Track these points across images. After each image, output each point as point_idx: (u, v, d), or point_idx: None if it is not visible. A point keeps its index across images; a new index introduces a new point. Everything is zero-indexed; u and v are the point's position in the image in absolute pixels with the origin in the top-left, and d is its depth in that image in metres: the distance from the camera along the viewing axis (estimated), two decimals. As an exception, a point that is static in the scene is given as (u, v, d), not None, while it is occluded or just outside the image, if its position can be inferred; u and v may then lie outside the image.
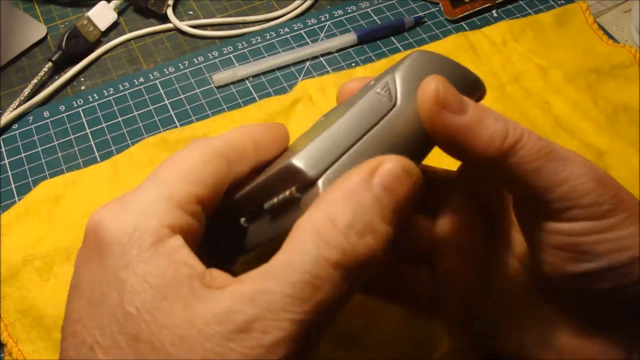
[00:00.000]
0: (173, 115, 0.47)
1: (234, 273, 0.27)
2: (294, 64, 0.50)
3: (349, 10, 0.55)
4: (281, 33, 0.53)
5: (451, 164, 0.31)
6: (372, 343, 0.35)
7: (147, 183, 0.22)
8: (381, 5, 0.55)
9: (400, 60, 0.25)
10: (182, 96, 0.49)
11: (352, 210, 0.19)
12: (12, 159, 0.45)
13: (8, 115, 0.47)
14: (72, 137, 0.46)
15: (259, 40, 0.53)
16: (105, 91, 0.49)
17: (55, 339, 0.35)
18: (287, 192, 0.21)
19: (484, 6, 0.53)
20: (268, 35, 0.53)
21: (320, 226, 0.18)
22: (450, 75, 0.24)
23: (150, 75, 0.50)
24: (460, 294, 0.29)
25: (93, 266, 0.20)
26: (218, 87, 0.49)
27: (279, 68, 0.50)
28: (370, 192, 0.19)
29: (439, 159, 0.30)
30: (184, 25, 0.53)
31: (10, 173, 0.44)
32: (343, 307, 0.19)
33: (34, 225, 0.40)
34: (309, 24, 0.54)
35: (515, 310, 0.27)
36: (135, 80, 0.50)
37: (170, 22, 0.54)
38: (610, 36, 0.51)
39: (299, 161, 0.21)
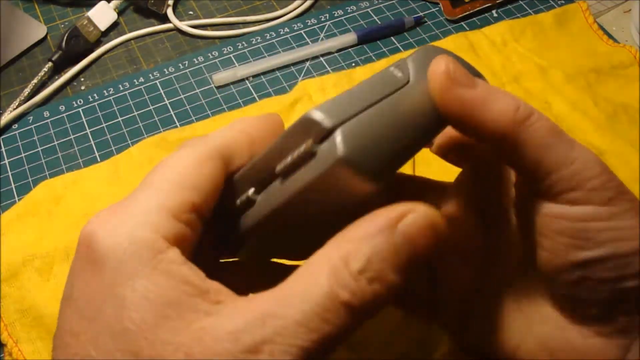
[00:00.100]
0: (173, 115, 0.47)
1: (237, 273, 0.27)
2: (294, 64, 0.50)
3: (349, 10, 0.55)
4: (281, 33, 0.53)
5: (450, 170, 0.31)
6: (372, 343, 0.35)
7: (141, 190, 0.22)
8: (381, 5, 0.55)
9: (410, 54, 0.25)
10: (182, 96, 0.49)
11: (367, 255, 0.19)
12: (12, 159, 0.45)
13: (8, 115, 0.47)
14: (72, 137, 0.46)
15: (259, 40, 0.53)
16: (105, 91, 0.49)
17: (55, 339, 0.35)
18: (303, 146, 0.21)
19: (484, 6, 0.53)
20: (268, 35, 0.53)
21: (336, 265, 0.19)
22: None
23: (150, 75, 0.50)
24: (459, 296, 0.29)
25: (87, 279, 0.20)
26: (218, 87, 0.49)
27: (279, 68, 0.50)
28: (390, 241, 0.19)
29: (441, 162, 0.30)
30: (184, 25, 0.53)
31: (10, 173, 0.44)
32: (344, 340, 0.19)
33: (34, 225, 0.40)
34: (309, 24, 0.54)
35: (513, 311, 0.27)
36: (135, 80, 0.50)
37: (170, 22, 0.54)
38: (610, 36, 0.51)
39: (316, 112, 0.21)
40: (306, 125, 0.21)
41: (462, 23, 0.53)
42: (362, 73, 0.48)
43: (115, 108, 0.48)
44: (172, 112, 0.47)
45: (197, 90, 0.49)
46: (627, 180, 0.41)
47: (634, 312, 0.24)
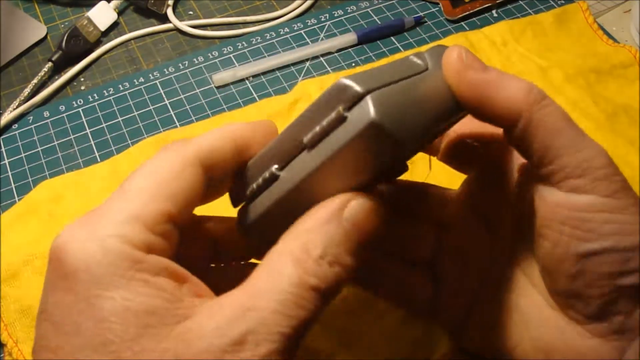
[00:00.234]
0: (173, 115, 0.47)
1: None
2: (294, 64, 0.50)
3: (349, 10, 0.55)
4: (281, 33, 0.53)
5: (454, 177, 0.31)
6: (372, 343, 0.35)
7: (115, 198, 0.22)
8: (381, 5, 0.55)
9: None
10: (182, 96, 0.49)
11: (323, 243, 0.21)
12: (12, 159, 0.45)
13: (8, 115, 0.47)
14: (72, 137, 0.46)
15: (259, 40, 0.53)
16: (105, 91, 0.49)
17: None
18: (334, 113, 0.21)
19: (484, 6, 0.53)
20: (268, 35, 0.53)
21: (298, 255, 0.20)
22: None
23: (150, 75, 0.50)
24: (461, 299, 0.29)
25: (61, 293, 0.20)
26: (218, 87, 0.49)
27: (279, 68, 0.50)
28: (340, 227, 0.21)
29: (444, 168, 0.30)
30: (184, 25, 0.53)
31: (10, 173, 0.44)
32: (316, 322, 0.20)
33: (34, 225, 0.40)
34: (309, 24, 0.54)
35: (511, 312, 0.27)
36: (135, 80, 0.50)
37: (170, 22, 0.54)
38: (610, 36, 0.51)
39: (347, 79, 0.21)
40: (336, 93, 0.22)
41: (462, 23, 0.53)
42: (362, 73, 0.48)
43: (115, 108, 0.48)
44: (172, 112, 0.47)
45: (197, 90, 0.49)
46: (627, 180, 0.41)
47: (630, 312, 0.24)
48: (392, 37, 0.52)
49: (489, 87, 0.24)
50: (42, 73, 0.49)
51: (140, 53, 0.52)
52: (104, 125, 0.47)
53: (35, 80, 0.49)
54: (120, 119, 0.47)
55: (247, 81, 0.49)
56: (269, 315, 0.19)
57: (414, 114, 0.22)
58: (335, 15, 0.54)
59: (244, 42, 0.52)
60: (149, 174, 0.22)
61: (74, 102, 0.48)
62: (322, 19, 0.54)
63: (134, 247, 0.20)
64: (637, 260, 0.23)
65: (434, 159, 0.31)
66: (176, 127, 0.46)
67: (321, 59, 0.51)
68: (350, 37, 0.51)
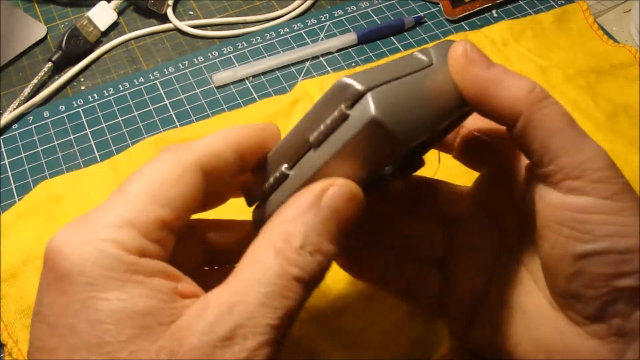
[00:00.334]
0: (173, 115, 0.47)
1: None
2: (294, 64, 0.50)
3: (349, 10, 0.55)
4: (281, 33, 0.53)
5: (461, 176, 0.31)
6: (372, 343, 0.35)
7: (112, 201, 0.21)
8: (381, 5, 0.55)
9: None
10: (182, 96, 0.49)
11: (303, 232, 0.21)
12: (12, 159, 0.45)
13: (8, 115, 0.47)
14: (72, 137, 0.46)
15: (259, 40, 0.53)
16: (105, 91, 0.49)
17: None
18: (337, 112, 0.22)
19: (484, 6, 0.53)
20: (268, 35, 0.53)
21: (279, 247, 0.21)
22: None
23: (150, 75, 0.50)
24: (469, 297, 0.29)
25: (55, 294, 0.20)
26: (218, 87, 0.49)
27: (279, 68, 0.50)
28: (318, 215, 0.21)
29: (447, 169, 0.30)
30: (184, 25, 0.53)
31: (10, 173, 0.44)
32: (301, 310, 0.21)
33: (34, 225, 0.40)
34: (309, 24, 0.54)
35: (514, 312, 0.27)
36: (135, 80, 0.50)
37: (170, 22, 0.54)
38: (610, 36, 0.51)
39: (348, 78, 0.22)
40: (338, 92, 0.22)
41: (462, 23, 0.53)
42: (362, 73, 0.48)
43: (115, 108, 0.48)
44: (172, 112, 0.47)
45: (197, 90, 0.49)
46: (627, 180, 0.41)
47: (628, 315, 0.24)
48: (392, 37, 0.52)
49: (492, 84, 0.24)
50: (42, 73, 0.49)
51: (140, 53, 0.52)
52: (104, 125, 0.47)
53: (35, 80, 0.49)
54: (120, 119, 0.47)
55: (247, 81, 0.49)
56: (255, 308, 0.19)
57: (416, 110, 0.23)
58: (335, 15, 0.54)
59: (244, 42, 0.52)
60: (147, 178, 0.22)
61: (74, 102, 0.48)
62: (322, 19, 0.54)
63: (128, 252, 0.20)
64: (635, 263, 0.23)
65: (449, 156, 0.31)
66: (176, 127, 0.46)
67: (321, 59, 0.51)
68: (350, 37, 0.51)
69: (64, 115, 0.48)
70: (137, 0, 0.55)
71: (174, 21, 0.54)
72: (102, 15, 0.53)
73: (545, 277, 0.26)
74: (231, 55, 0.51)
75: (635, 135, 0.43)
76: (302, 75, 0.50)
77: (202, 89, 0.49)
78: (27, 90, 0.48)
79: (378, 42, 0.52)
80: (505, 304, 0.28)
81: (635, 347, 0.24)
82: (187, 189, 0.22)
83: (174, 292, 0.20)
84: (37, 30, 0.54)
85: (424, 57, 0.25)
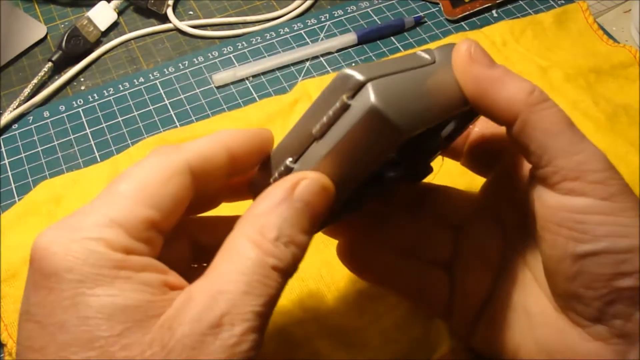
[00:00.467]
0: (173, 115, 0.47)
1: None
2: (294, 64, 0.50)
3: (349, 10, 0.55)
4: (281, 33, 0.53)
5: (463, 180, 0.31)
6: (372, 343, 0.35)
7: (100, 200, 0.21)
8: (381, 5, 0.55)
9: None
10: (182, 96, 0.49)
11: (277, 224, 0.22)
12: (12, 159, 0.45)
13: (8, 115, 0.47)
14: (72, 137, 0.46)
15: (259, 40, 0.53)
16: (105, 91, 0.49)
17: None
18: (338, 102, 0.22)
19: (484, 6, 0.53)
20: (268, 35, 0.53)
21: (255, 239, 0.21)
22: None
23: (150, 75, 0.50)
24: (475, 300, 0.29)
25: (43, 293, 0.20)
26: (218, 87, 0.49)
27: (279, 68, 0.50)
28: (291, 207, 0.22)
29: (451, 174, 0.30)
30: (184, 25, 0.53)
31: (10, 173, 0.44)
32: (279, 296, 0.22)
33: (34, 225, 0.40)
34: (309, 24, 0.54)
35: (518, 313, 0.28)
36: (135, 80, 0.50)
37: (170, 22, 0.54)
38: (610, 36, 0.51)
39: (349, 70, 0.22)
40: (340, 83, 0.22)
41: (462, 23, 0.53)
42: (362, 73, 0.48)
43: (115, 108, 0.48)
44: (172, 112, 0.47)
45: (197, 90, 0.49)
46: (627, 180, 0.41)
47: (629, 316, 0.24)
48: (392, 37, 0.52)
49: (492, 83, 0.25)
50: (42, 73, 0.49)
51: (140, 53, 0.52)
52: (104, 125, 0.47)
53: (35, 80, 0.49)
54: (120, 119, 0.47)
55: (247, 81, 0.49)
56: (239, 296, 0.20)
57: (417, 102, 0.23)
58: (335, 15, 0.54)
59: (244, 42, 0.52)
60: (135, 178, 0.22)
61: (74, 102, 0.48)
62: (322, 19, 0.54)
63: (115, 250, 0.20)
64: (634, 263, 0.23)
65: (457, 163, 0.32)
66: (176, 127, 0.46)
67: (321, 59, 0.51)
68: (350, 37, 0.51)
69: (64, 115, 0.48)
70: (137, 0, 0.55)
71: (174, 21, 0.54)
72: (102, 15, 0.53)
73: (546, 278, 0.26)
74: (231, 55, 0.51)
75: (635, 135, 0.43)
76: (302, 75, 0.50)
77: (202, 89, 0.49)
78: (27, 90, 0.48)
79: (378, 42, 0.52)
80: (509, 306, 0.28)
81: (637, 349, 0.24)
82: (175, 190, 0.22)
83: (163, 285, 0.21)
84: (37, 30, 0.54)
85: (427, 56, 0.26)
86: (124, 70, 0.51)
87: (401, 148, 0.23)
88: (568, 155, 0.24)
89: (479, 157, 0.31)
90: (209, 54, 0.51)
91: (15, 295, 0.37)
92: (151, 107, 0.48)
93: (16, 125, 0.47)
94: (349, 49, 0.51)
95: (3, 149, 0.46)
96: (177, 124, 0.47)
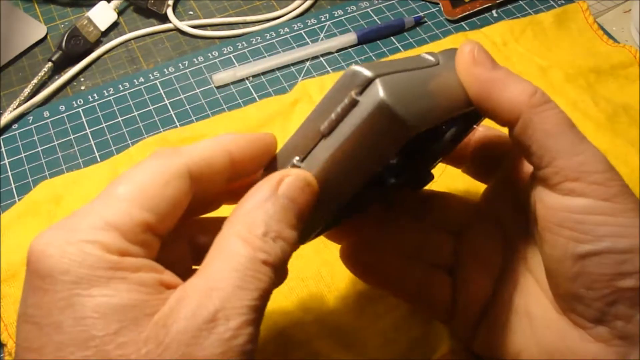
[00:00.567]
0: (173, 115, 0.47)
1: None
2: (294, 64, 0.50)
3: (349, 10, 0.55)
4: (281, 33, 0.53)
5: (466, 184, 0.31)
6: (372, 343, 0.35)
7: (97, 202, 0.22)
8: (381, 5, 0.55)
9: None
10: (182, 96, 0.49)
11: (265, 221, 0.22)
12: (12, 159, 0.45)
13: (8, 115, 0.47)
14: (72, 137, 0.46)
15: (259, 40, 0.53)
16: (105, 91, 0.49)
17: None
18: (347, 99, 0.22)
19: (484, 6, 0.53)
20: (268, 35, 0.53)
21: (244, 235, 0.22)
22: None
23: (150, 75, 0.50)
24: (477, 304, 0.29)
25: (40, 294, 0.20)
26: (218, 87, 0.49)
27: (279, 68, 0.50)
28: (277, 204, 0.23)
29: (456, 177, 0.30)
30: (184, 25, 0.53)
31: (10, 173, 0.44)
32: (272, 290, 0.22)
33: (34, 225, 0.40)
34: (309, 24, 0.54)
35: (520, 316, 0.28)
36: (135, 80, 0.50)
37: (170, 22, 0.54)
38: (610, 36, 0.51)
39: (358, 66, 0.22)
40: (349, 79, 0.23)
41: (462, 23, 0.53)
42: (362, 73, 0.48)
43: (115, 108, 0.48)
44: (172, 112, 0.47)
45: (197, 90, 0.49)
46: (627, 180, 0.41)
47: (630, 317, 0.24)
48: (392, 37, 0.52)
49: (494, 85, 0.25)
50: (42, 73, 0.49)
51: (140, 53, 0.52)
52: (104, 125, 0.47)
53: (35, 80, 0.49)
54: (120, 119, 0.47)
55: (247, 81, 0.49)
56: (233, 291, 0.20)
57: (423, 99, 0.23)
58: (335, 15, 0.54)
59: (244, 42, 0.52)
60: (133, 181, 0.22)
61: (74, 102, 0.48)
62: (322, 19, 0.54)
63: (110, 252, 0.20)
64: (635, 263, 0.23)
65: (459, 171, 0.32)
66: (176, 127, 0.46)
67: (321, 59, 0.51)
68: (350, 37, 0.51)
69: (64, 115, 0.48)
70: (137, 0, 0.55)
71: (174, 21, 0.54)
72: (102, 15, 0.53)
73: (548, 279, 0.26)
74: (231, 55, 0.51)
75: (635, 135, 0.43)
76: (302, 75, 0.50)
77: (202, 89, 0.49)
78: (27, 90, 0.48)
79: (378, 42, 0.52)
80: (511, 309, 0.28)
81: (638, 350, 0.24)
82: (172, 194, 0.22)
83: (159, 284, 0.21)
84: (37, 30, 0.54)
85: (431, 58, 0.26)
86: (124, 70, 0.51)
87: (404, 152, 0.23)
88: (569, 156, 0.24)
89: (480, 163, 0.31)
90: (209, 54, 0.51)
91: (15, 295, 0.37)
92: (151, 107, 0.48)
93: (16, 125, 0.47)
94: (349, 49, 0.51)
95: (3, 149, 0.46)
96: (177, 124, 0.47)
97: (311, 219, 0.25)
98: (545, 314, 0.27)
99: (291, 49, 0.51)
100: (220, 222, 0.29)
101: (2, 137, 0.46)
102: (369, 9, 0.55)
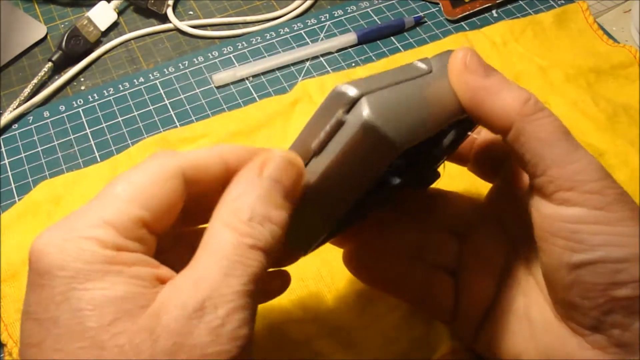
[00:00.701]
0: (173, 115, 0.47)
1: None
2: (294, 64, 0.50)
3: (349, 10, 0.55)
4: (281, 33, 0.53)
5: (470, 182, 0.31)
6: (372, 343, 0.35)
7: (93, 203, 0.22)
8: (381, 5, 0.55)
9: None
10: (182, 96, 0.49)
11: (250, 205, 0.22)
12: (12, 159, 0.45)
13: (8, 115, 0.47)
14: (72, 137, 0.46)
15: (259, 40, 0.53)
16: (105, 91, 0.49)
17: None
18: (334, 119, 0.23)
19: (484, 6, 0.53)
20: (268, 35, 0.53)
21: (231, 221, 0.22)
22: None
23: (150, 75, 0.50)
24: (479, 305, 0.29)
25: (39, 291, 0.21)
26: (218, 87, 0.49)
27: (279, 68, 0.50)
28: (261, 186, 0.23)
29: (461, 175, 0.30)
30: (184, 25, 0.53)
31: (10, 173, 0.44)
32: (266, 272, 0.22)
33: (34, 225, 0.40)
34: (309, 24, 0.54)
35: (520, 319, 0.28)
36: (135, 80, 0.50)
37: (170, 22, 0.54)
38: (610, 36, 0.51)
39: (343, 85, 0.23)
40: (335, 99, 0.23)
41: (462, 23, 0.53)
42: (362, 73, 0.48)
43: (115, 108, 0.48)
44: (172, 112, 0.47)
45: (197, 90, 0.49)
46: (627, 180, 0.41)
47: (627, 325, 0.24)
48: (392, 37, 0.52)
49: (487, 93, 0.25)
50: (42, 73, 0.49)
51: (140, 53, 0.52)
52: (104, 125, 0.47)
53: (35, 80, 0.49)
54: (120, 119, 0.47)
55: (247, 81, 0.49)
56: (219, 279, 0.21)
57: (412, 114, 0.23)
58: (335, 15, 0.54)
59: (244, 42, 0.52)
60: (129, 180, 0.23)
61: (74, 102, 0.48)
62: (322, 19, 0.54)
63: (106, 247, 0.21)
64: (631, 272, 0.23)
65: (459, 171, 0.32)
66: (176, 127, 0.46)
67: (321, 59, 0.51)
68: (350, 37, 0.51)
69: (64, 115, 0.48)
70: (137, 0, 0.55)
71: (174, 21, 0.54)
72: (102, 15, 0.53)
73: (546, 286, 0.26)
74: (231, 55, 0.51)
75: (635, 135, 0.43)
76: (302, 75, 0.50)
77: (202, 89, 0.49)
78: (27, 90, 0.48)
79: (378, 42, 0.52)
80: (512, 312, 0.28)
81: (637, 358, 0.24)
82: (166, 192, 0.23)
83: (154, 278, 0.21)
84: (37, 30, 0.54)
85: (423, 66, 0.26)
86: (124, 70, 0.51)
87: (405, 155, 0.23)
88: (562, 165, 0.24)
89: (484, 162, 0.31)
90: (209, 54, 0.51)
91: (15, 295, 0.37)
92: (151, 107, 0.48)
93: (16, 125, 0.47)
94: (349, 49, 0.51)
95: (3, 149, 0.46)
96: (177, 124, 0.47)
97: (311, 229, 0.26)
98: (545, 318, 0.27)
99: (291, 49, 0.51)
100: None
101: (2, 137, 0.46)
102: (369, 9, 0.55)
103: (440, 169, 0.31)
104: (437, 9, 0.54)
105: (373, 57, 0.51)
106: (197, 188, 0.24)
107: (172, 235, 0.26)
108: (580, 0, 0.52)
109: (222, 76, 0.49)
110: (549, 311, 0.27)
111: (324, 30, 0.53)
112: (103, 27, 0.53)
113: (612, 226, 0.23)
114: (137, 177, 0.23)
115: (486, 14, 0.54)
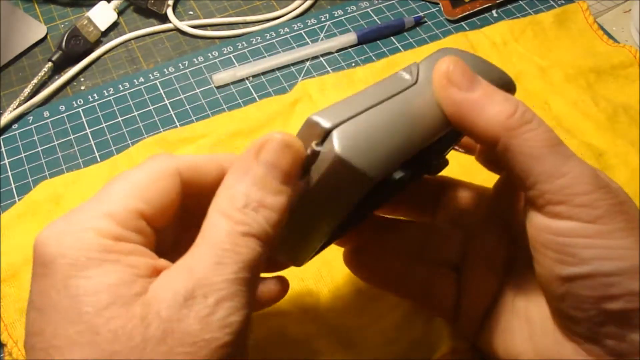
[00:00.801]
0: (173, 115, 0.47)
1: None
2: (294, 64, 0.50)
3: (349, 10, 0.55)
4: (281, 33, 0.53)
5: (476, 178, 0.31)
6: (372, 343, 0.35)
7: (93, 199, 0.23)
8: (381, 5, 0.55)
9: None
10: (182, 96, 0.49)
11: (245, 192, 0.22)
12: (12, 159, 0.45)
13: (8, 115, 0.47)
14: (72, 137, 0.46)
15: (259, 40, 0.53)
16: (105, 91, 0.49)
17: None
18: (309, 150, 0.23)
19: (484, 6, 0.53)
20: (268, 35, 0.53)
21: (226, 209, 0.22)
22: (473, 68, 0.25)
23: (150, 75, 0.50)
24: (481, 304, 0.29)
25: (41, 282, 0.21)
26: (218, 87, 0.49)
27: (279, 68, 0.50)
28: (257, 172, 0.22)
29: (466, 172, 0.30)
30: (184, 25, 0.53)
31: (10, 173, 0.44)
32: (264, 259, 0.22)
33: (34, 225, 0.40)
34: (309, 24, 0.54)
35: (521, 320, 0.28)
36: (135, 80, 0.50)
37: (170, 22, 0.54)
38: (610, 36, 0.51)
39: (316, 116, 0.22)
40: (309, 129, 0.23)
41: (462, 23, 0.53)
42: (362, 73, 0.48)
43: (115, 108, 0.48)
44: (172, 112, 0.47)
45: (197, 90, 0.49)
46: (627, 180, 0.41)
47: (622, 337, 0.23)
48: (392, 37, 0.52)
49: (471, 108, 0.24)
50: (42, 73, 0.49)
51: (140, 53, 0.52)
52: (104, 125, 0.47)
53: (35, 80, 0.49)
54: (120, 119, 0.47)
55: (247, 81, 0.49)
56: (210, 267, 0.21)
57: (391, 139, 0.23)
58: (335, 15, 0.54)
59: (244, 42, 0.52)
60: (128, 178, 0.23)
61: (74, 102, 0.48)
62: (322, 19, 0.54)
63: (106, 238, 0.21)
64: (623, 285, 0.23)
65: (459, 167, 0.32)
66: (176, 127, 0.46)
67: (321, 59, 0.51)
68: (350, 37, 0.51)
69: (64, 115, 0.48)
70: (137, 0, 0.55)
71: (174, 21, 0.54)
72: (102, 15, 0.53)
73: (543, 294, 0.26)
74: (231, 55, 0.51)
75: (635, 135, 0.43)
76: (302, 75, 0.50)
77: (202, 89, 0.49)
78: (27, 90, 0.48)
79: (378, 42, 0.52)
80: (512, 312, 0.28)
81: None
82: (163, 188, 0.23)
83: (151, 268, 0.22)
84: (37, 30, 0.54)
85: (408, 77, 0.25)
86: (124, 70, 0.51)
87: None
88: (551, 179, 0.23)
89: (490, 154, 0.30)
90: (209, 54, 0.51)
91: (15, 295, 0.37)
92: (151, 107, 0.48)
93: (16, 125, 0.47)
94: (349, 49, 0.51)
95: (3, 149, 0.46)
96: (177, 124, 0.47)
97: (306, 242, 0.26)
98: (544, 321, 0.27)
99: (291, 49, 0.51)
100: None
101: (2, 137, 0.46)
102: (369, 9, 0.55)
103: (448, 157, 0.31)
104: (437, 9, 0.54)
105: (373, 57, 0.51)
106: (194, 190, 0.24)
107: (173, 240, 0.26)
108: (580, 0, 0.52)
109: (222, 76, 0.49)
110: (548, 314, 0.26)
111: (324, 30, 0.53)
112: (103, 27, 0.53)
113: (603, 239, 0.23)
114: (135, 175, 0.23)
115: (486, 14, 0.54)
